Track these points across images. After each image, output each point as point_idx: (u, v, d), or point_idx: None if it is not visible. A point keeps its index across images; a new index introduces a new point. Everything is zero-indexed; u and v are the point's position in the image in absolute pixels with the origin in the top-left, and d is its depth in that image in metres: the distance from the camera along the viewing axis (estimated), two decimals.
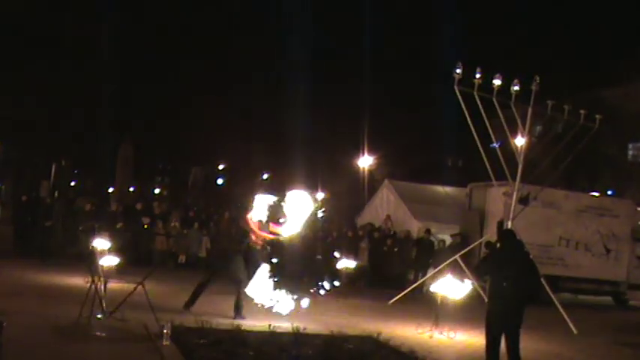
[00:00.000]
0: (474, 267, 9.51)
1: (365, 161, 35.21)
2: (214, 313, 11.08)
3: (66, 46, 32.31)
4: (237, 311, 11.33)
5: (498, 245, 8.55)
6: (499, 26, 45.58)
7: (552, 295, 14.88)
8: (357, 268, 18.30)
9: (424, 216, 22.28)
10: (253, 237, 11.55)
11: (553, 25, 39.93)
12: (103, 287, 9.94)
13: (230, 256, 11.83)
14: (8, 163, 40.40)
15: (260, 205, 11.28)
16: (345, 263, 17.03)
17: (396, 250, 20.78)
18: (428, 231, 20.96)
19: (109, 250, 10.98)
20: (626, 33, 37.28)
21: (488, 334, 8.08)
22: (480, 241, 17.81)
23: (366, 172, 34.52)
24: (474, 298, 15.96)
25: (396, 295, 16.10)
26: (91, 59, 33.40)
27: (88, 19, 32.41)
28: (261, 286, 10.91)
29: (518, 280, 7.97)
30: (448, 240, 20.50)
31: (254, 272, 11.26)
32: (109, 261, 10.45)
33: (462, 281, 12.05)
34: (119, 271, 11.06)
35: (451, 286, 11.68)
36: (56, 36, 31.67)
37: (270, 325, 10.09)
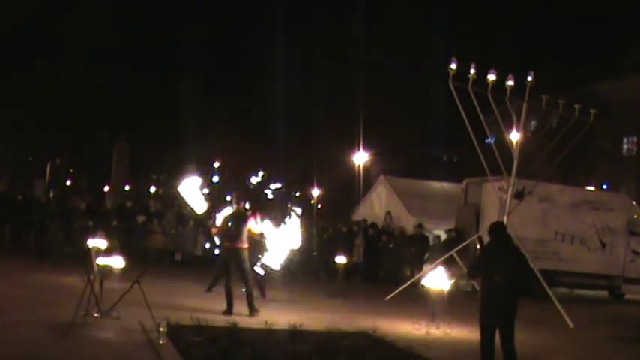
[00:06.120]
0: (468, 269, 9.47)
1: (360, 157, 35.17)
2: (210, 310, 11.10)
3: (63, 46, 32.25)
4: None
5: (489, 239, 8.53)
6: (493, 21, 45.54)
7: (548, 289, 14.90)
8: (348, 264, 18.17)
9: (420, 212, 22.29)
10: None
11: (547, 19, 39.94)
12: (99, 286, 9.94)
13: None
14: (3, 162, 40.35)
15: None
16: (338, 259, 17.06)
17: (391, 246, 20.79)
18: (420, 226, 20.93)
19: (113, 251, 10.92)
20: (620, 27, 37.33)
21: (482, 328, 8.08)
22: (476, 236, 17.82)
23: (361, 169, 34.47)
24: (469, 293, 16.04)
25: (392, 292, 16.11)
26: (87, 57, 33.35)
27: (84, 18, 32.32)
28: None
29: (510, 273, 7.97)
30: (443, 235, 20.50)
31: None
32: (116, 262, 10.40)
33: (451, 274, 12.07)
34: (116, 270, 11.02)
35: (440, 279, 11.71)
36: (53, 35, 31.61)
37: (266, 322, 10.11)
